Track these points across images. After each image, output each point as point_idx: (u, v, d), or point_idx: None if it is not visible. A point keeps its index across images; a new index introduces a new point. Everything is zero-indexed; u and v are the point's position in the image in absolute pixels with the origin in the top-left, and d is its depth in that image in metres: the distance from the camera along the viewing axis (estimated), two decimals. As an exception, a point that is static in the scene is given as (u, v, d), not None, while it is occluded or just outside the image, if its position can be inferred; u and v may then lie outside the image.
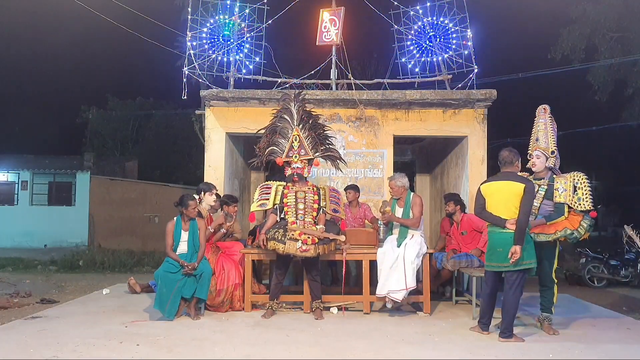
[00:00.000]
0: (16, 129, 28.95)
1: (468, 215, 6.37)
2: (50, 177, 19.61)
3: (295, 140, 5.79)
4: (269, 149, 5.86)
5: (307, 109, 5.99)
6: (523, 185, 4.59)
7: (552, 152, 5.07)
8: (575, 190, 4.90)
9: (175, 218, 5.60)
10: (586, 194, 4.88)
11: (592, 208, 4.89)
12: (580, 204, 4.87)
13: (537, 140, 5.13)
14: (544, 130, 5.14)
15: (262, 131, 6.00)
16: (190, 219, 5.55)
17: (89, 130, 27.27)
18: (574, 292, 8.24)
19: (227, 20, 7.79)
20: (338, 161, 6.01)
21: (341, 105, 7.45)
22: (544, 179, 5.04)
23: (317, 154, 5.87)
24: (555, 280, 5.11)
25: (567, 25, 15.92)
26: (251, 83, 7.97)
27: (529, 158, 5.15)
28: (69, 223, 18.35)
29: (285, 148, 5.80)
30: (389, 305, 5.87)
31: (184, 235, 5.51)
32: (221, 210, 6.40)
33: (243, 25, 7.77)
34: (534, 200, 4.85)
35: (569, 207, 4.91)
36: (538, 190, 4.96)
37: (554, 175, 5.05)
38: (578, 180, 4.93)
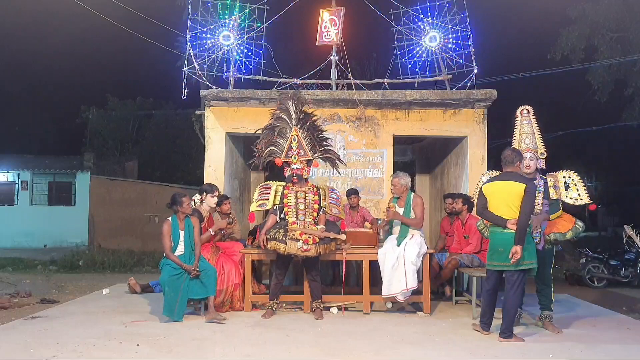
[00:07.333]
0: (16, 129, 28.91)
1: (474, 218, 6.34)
2: (50, 177, 19.58)
3: (294, 140, 5.76)
4: (268, 149, 5.83)
5: (305, 110, 5.95)
6: (524, 186, 4.60)
7: (542, 154, 5.15)
8: (566, 188, 5.08)
9: (170, 219, 5.48)
10: (581, 189, 5.07)
11: (590, 202, 5.11)
12: (578, 198, 5.04)
13: (526, 142, 5.15)
14: (531, 133, 5.20)
15: (260, 131, 5.97)
16: (186, 216, 5.51)
17: (89, 130, 27.19)
18: (574, 292, 8.23)
19: (227, 21, 7.79)
20: (337, 162, 6.00)
21: (341, 105, 7.45)
22: (535, 179, 5.06)
23: (316, 155, 5.86)
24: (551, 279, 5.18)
25: (567, 25, 15.89)
26: (251, 83, 7.98)
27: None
28: (69, 223, 18.31)
29: (284, 148, 5.78)
30: (389, 305, 5.88)
31: (182, 235, 5.47)
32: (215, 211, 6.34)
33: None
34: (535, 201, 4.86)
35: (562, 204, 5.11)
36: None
37: (546, 175, 5.17)
38: (569, 177, 5.11)
